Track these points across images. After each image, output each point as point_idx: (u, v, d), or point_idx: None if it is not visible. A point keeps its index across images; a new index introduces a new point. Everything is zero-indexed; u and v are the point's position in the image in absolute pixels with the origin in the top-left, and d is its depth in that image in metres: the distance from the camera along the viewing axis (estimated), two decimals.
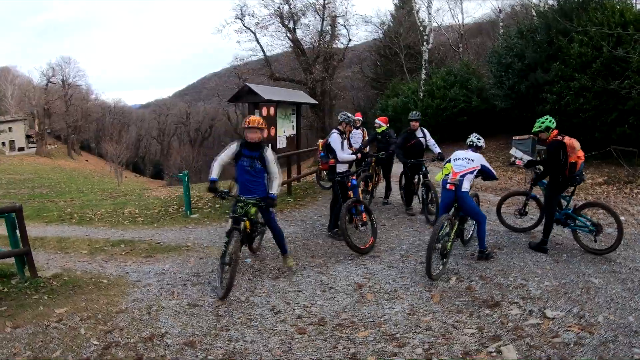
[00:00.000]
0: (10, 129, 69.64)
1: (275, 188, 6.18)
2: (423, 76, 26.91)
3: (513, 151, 17.24)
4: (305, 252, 7.66)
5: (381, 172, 10.85)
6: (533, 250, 6.90)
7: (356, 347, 4.43)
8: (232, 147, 6.30)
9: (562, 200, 7.07)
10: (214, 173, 6.10)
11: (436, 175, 7.16)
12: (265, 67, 34.01)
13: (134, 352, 4.52)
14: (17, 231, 6.88)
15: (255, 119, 6.27)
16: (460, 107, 23.16)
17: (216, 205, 11.68)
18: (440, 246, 6.11)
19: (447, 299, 5.42)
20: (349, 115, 8.38)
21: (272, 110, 11.28)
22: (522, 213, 7.94)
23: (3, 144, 69.10)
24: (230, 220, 6.22)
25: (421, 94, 25.75)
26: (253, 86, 11.56)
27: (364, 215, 7.69)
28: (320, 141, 8.68)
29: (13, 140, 70.31)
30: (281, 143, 12.02)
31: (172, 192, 18.40)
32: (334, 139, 8.07)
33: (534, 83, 17.63)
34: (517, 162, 16.45)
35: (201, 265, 7.26)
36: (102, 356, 4.34)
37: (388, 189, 10.77)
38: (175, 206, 12.54)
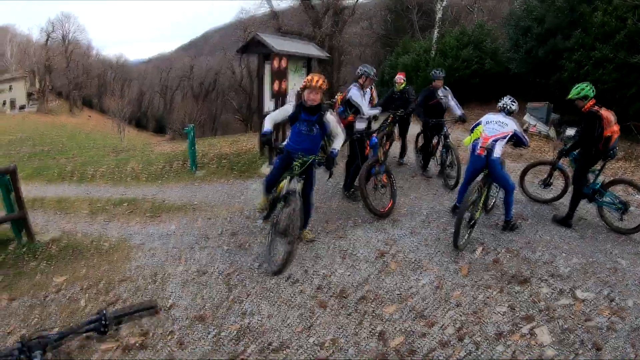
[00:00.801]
0: (10, 88, 69.10)
1: (337, 144, 5.55)
2: (436, 34, 26.02)
3: (527, 117, 16.65)
4: (319, 216, 7.06)
5: (397, 132, 10.30)
6: (557, 224, 6.47)
7: (383, 325, 4.04)
8: (287, 109, 5.63)
9: (590, 175, 6.59)
10: (268, 125, 5.38)
11: (464, 139, 6.65)
12: (272, 19, 33.06)
13: (139, 327, 4.14)
14: (12, 194, 6.48)
15: (317, 77, 5.42)
16: (473, 69, 22.46)
17: (223, 161, 11.20)
18: (469, 215, 5.67)
19: (475, 272, 5.01)
20: (369, 67, 7.80)
21: (283, 62, 10.64)
22: (546, 184, 7.47)
23: (4, 103, 68.67)
24: (285, 181, 5.51)
25: (433, 53, 24.94)
26: (264, 36, 10.86)
27: (384, 176, 7.17)
28: (339, 95, 8.18)
29: (14, 99, 69.87)
30: (291, 98, 11.44)
31: (175, 146, 17.90)
32: (355, 93, 7.54)
33: (553, 49, 16.87)
34: (531, 128, 15.85)
35: (209, 226, 6.82)
36: None
37: (404, 149, 10.25)
38: (180, 162, 12.04)
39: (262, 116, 10.74)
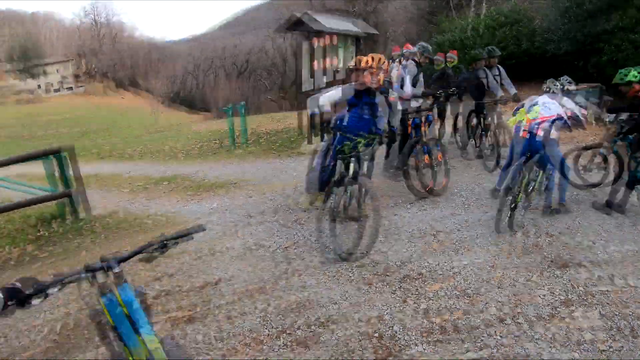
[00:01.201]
0: (57, 71, 71.36)
1: (395, 121, 5.70)
2: (472, 14, 25.48)
3: (579, 99, 16.21)
4: None
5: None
6: (596, 210, 6.27)
7: (427, 302, 4.06)
8: (341, 92, 5.40)
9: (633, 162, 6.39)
10: (327, 105, 5.33)
11: (509, 119, 6.53)
12: None
13: (187, 300, 4.27)
14: (70, 171, 6.79)
15: (377, 57, 5.20)
16: (509, 50, 22.04)
17: (260, 140, 11.28)
18: (510, 198, 5.62)
19: (515, 255, 4.97)
20: (425, 44, 7.82)
21: (334, 39, 10.59)
22: (593, 167, 7.27)
23: (52, 85, 70.78)
24: (339, 164, 5.23)
25: (468, 33, 24.41)
26: (312, 14, 10.82)
27: (425, 157, 7.09)
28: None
29: (61, 81, 72.08)
30: (340, 76, 11.39)
31: (213, 125, 18.07)
32: (410, 69, 7.52)
33: (592, 31, 16.40)
34: (582, 111, 15.44)
35: (251, 204, 6.91)
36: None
37: (442, 129, 10.13)
38: (218, 140, 12.19)
39: (302, 93, 10.78)
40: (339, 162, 5.25)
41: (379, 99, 5.37)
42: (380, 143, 5.43)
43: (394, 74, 8.22)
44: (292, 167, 8.61)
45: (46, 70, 70.79)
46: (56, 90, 70.99)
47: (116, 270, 2.11)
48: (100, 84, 76.92)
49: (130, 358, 2.14)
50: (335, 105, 5.55)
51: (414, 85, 7.91)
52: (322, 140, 9.50)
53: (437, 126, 9.45)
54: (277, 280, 4.58)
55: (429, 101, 8.23)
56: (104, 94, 72.91)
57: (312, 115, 5.17)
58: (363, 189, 4.97)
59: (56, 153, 6.72)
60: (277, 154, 9.80)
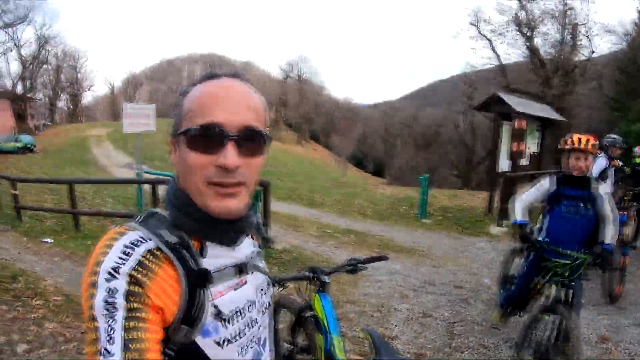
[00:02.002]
0: None
1: (609, 236, 4.01)
2: None
3: None
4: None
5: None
6: None
7: None
8: (545, 185, 4.35)
9: None
10: (520, 214, 4.29)
11: None
12: (499, 76, 32.31)
13: (359, 346, 4.47)
14: (260, 203, 7.72)
15: (585, 137, 4.14)
16: None
17: (447, 214, 11.33)
18: None
19: None
20: (615, 137, 7.40)
21: (523, 123, 10.48)
22: None
23: None
24: (551, 289, 4.00)
25: None
26: (503, 95, 10.89)
27: (627, 258, 6.49)
28: None
29: None
30: (524, 161, 11.18)
31: (397, 191, 18.50)
32: (600, 163, 7.18)
33: None
34: None
35: (434, 274, 6.98)
36: None
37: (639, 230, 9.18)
38: (405, 207, 12.50)
39: (493, 175, 10.71)
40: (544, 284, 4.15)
41: (601, 190, 4.18)
42: (595, 264, 3.95)
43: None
44: (478, 247, 8.52)
45: None
46: None
47: (326, 280, 2.83)
48: (295, 133, 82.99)
49: (320, 346, 2.84)
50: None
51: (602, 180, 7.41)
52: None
53: (631, 226, 8.62)
54: (436, 352, 4.58)
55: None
56: (297, 144, 78.40)
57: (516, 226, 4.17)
58: (564, 323, 3.70)
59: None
60: (464, 230, 9.75)
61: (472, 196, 16.22)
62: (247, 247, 1.18)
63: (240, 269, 1.11)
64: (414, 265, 7.35)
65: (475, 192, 19.94)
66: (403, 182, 52.37)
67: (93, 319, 0.86)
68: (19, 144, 35.18)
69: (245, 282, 1.13)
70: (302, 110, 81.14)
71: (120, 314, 0.86)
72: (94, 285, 0.88)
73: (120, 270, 0.88)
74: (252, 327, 1.14)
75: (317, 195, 15.49)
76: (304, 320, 3.04)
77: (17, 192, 11.48)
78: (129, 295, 0.87)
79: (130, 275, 0.88)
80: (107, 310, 0.86)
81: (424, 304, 5.75)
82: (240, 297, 1.10)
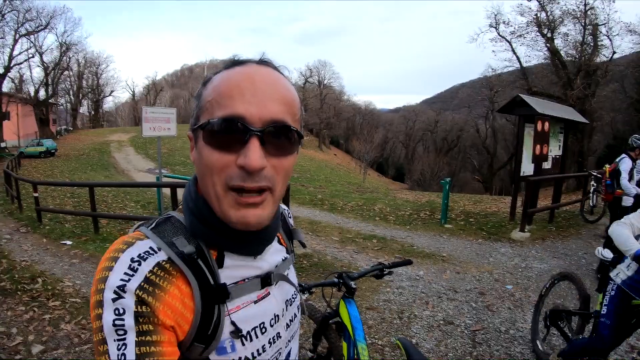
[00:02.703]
0: None
1: None
2: None
3: None
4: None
5: None
6: None
7: None
8: None
9: None
10: (634, 241, 3.18)
11: None
12: (521, 79, 31.81)
13: (380, 354, 4.39)
14: None
15: None
16: None
17: (470, 219, 11.18)
18: None
19: None
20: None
21: (546, 125, 10.29)
22: None
23: None
24: None
25: None
26: (525, 97, 10.70)
27: None
28: (608, 167, 7.63)
29: None
30: (547, 163, 10.97)
31: (418, 196, 18.38)
32: (626, 163, 7.00)
33: None
34: None
35: (457, 280, 6.84)
36: None
37: None
38: (427, 212, 12.38)
39: (516, 178, 10.52)
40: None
41: None
42: None
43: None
44: (501, 252, 8.35)
45: None
46: None
47: (353, 285, 2.74)
48: (315, 138, 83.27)
49: (344, 354, 2.78)
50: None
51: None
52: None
53: None
54: None
55: None
56: (318, 149, 78.59)
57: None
58: None
59: None
60: (487, 235, 9.58)
61: (495, 201, 16.04)
62: (273, 254, 1.07)
63: (264, 280, 1.01)
64: (436, 271, 7.23)
65: (498, 197, 19.74)
66: (424, 187, 52.32)
67: (103, 342, 0.80)
68: (41, 149, 36.17)
69: (269, 294, 1.03)
70: (323, 115, 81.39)
71: (130, 338, 0.79)
72: (100, 304, 0.81)
73: (127, 288, 0.81)
74: (275, 342, 1.04)
75: (338, 200, 15.43)
76: (328, 327, 2.98)
77: (37, 195, 11.79)
78: (137, 317, 0.80)
79: (137, 295, 0.81)
80: (117, 333, 0.79)
81: (446, 310, 5.64)
82: (263, 311, 1.00)
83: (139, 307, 0.80)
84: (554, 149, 11.40)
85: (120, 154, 38.19)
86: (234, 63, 0.93)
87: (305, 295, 2.74)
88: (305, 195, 16.89)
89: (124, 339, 0.79)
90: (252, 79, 0.87)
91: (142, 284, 0.82)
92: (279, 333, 1.05)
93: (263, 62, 0.94)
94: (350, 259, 7.98)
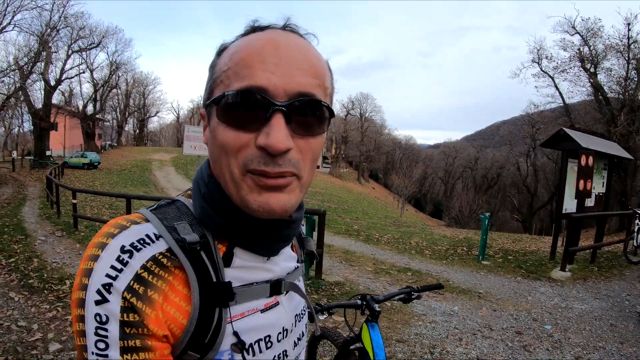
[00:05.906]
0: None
1: None
2: None
3: None
4: (613, 335, 6.24)
5: None
6: None
7: None
8: None
9: None
10: None
11: None
12: (563, 115, 31.14)
13: None
14: (315, 233, 7.85)
15: None
16: None
17: (509, 257, 10.89)
18: None
19: None
20: None
21: (590, 160, 9.99)
22: None
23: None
24: None
25: None
26: (569, 131, 10.46)
27: None
28: None
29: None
30: (590, 201, 10.63)
31: (456, 232, 18.09)
32: None
33: None
34: None
35: (494, 318, 6.60)
36: None
37: None
38: (464, 248, 12.15)
39: (558, 215, 10.22)
40: None
41: None
42: None
43: None
44: (540, 292, 8.04)
45: None
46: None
47: (377, 308, 2.55)
48: (355, 170, 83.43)
49: None
50: None
51: None
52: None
53: None
54: None
55: None
56: (357, 181, 78.65)
57: None
58: None
59: (312, 214, 7.96)
60: (526, 273, 9.27)
61: (535, 240, 15.66)
62: (285, 260, 0.94)
63: (274, 286, 0.87)
64: (472, 308, 7.01)
65: (537, 237, 19.27)
66: (462, 224, 51.52)
67: (84, 349, 0.69)
68: (85, 160, 37.76)
69: (278, 304, 0.89)
70: (363, 148, 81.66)
71: (113, 354, 0.67)
72: (82, 304, 0.69)
73: (113, 289, 0.68)
74: None
75: (374, 231, 15.33)
76: (349, 352, 2.88)
77: (76, 202, 12.31)
78: (123, 327, 0.68)
79: (125, 298, 0.68)
80: (97, 347, 0.68)
81: (480, 348, 5.43)
82: (270, 322, 0.87)
83: (125, 315, 0.68)
84: (598, 186, 11.07)
85: (161, 172, 39.08)
86: (254, 29, 0.79)
87: (325, 316, 2.67)
88: (341, 225, 16.86)
89: (106, 355, 0.68)
90: (276, 45, 0.73)
91: (132, 283, 0.69)
92: (285, 351, 0.91)
93: (288, 28, 0.80)
94: (383, 290, 7.86)
